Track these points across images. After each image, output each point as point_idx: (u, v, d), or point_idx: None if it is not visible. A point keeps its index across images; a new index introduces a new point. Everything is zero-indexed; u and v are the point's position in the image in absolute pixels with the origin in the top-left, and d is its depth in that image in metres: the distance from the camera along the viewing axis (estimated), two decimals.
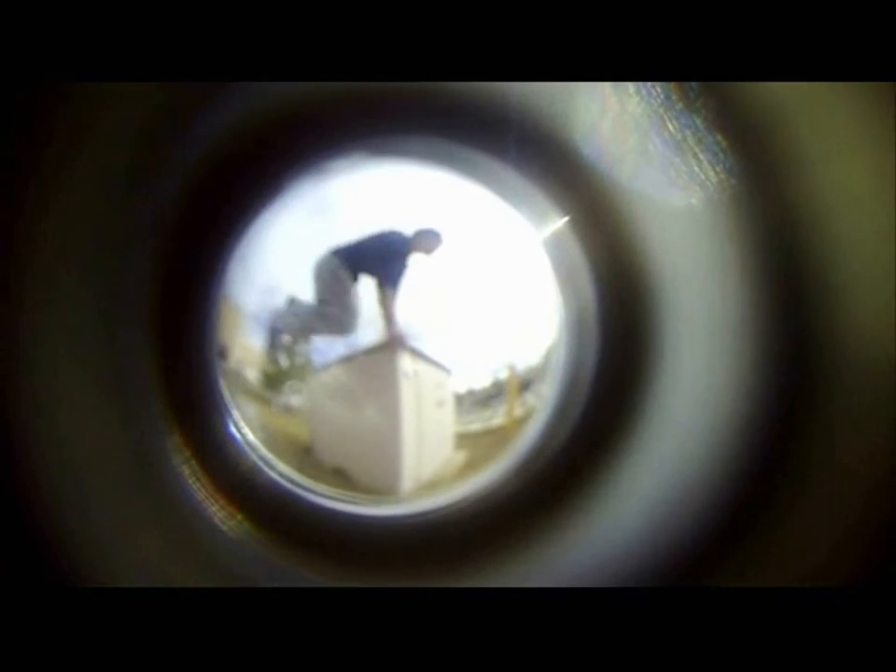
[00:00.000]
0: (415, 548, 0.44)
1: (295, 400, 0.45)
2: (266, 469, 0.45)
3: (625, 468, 0.42)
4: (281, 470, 0.45)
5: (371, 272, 0.45)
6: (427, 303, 0.45)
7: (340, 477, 0.45)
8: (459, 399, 0.45)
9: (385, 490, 0.45)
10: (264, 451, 0.45)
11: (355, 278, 0.45)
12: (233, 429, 0.45)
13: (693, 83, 0.36)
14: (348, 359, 0.44)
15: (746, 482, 0.37)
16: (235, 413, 0.45)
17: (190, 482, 0.43)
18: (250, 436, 0.45)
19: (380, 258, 0.45)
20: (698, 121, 0.37)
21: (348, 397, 0.44)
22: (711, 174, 0.37)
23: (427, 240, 0.45)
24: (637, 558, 0.38)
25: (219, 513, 0.43)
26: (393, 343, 0.44)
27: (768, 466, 0.36)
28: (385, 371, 0.45)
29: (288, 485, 0.45)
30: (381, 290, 0.45)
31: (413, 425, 0.45)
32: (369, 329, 0.44)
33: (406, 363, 0.44)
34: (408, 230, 0.45)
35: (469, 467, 0.45)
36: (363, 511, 0.45)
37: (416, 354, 0.45)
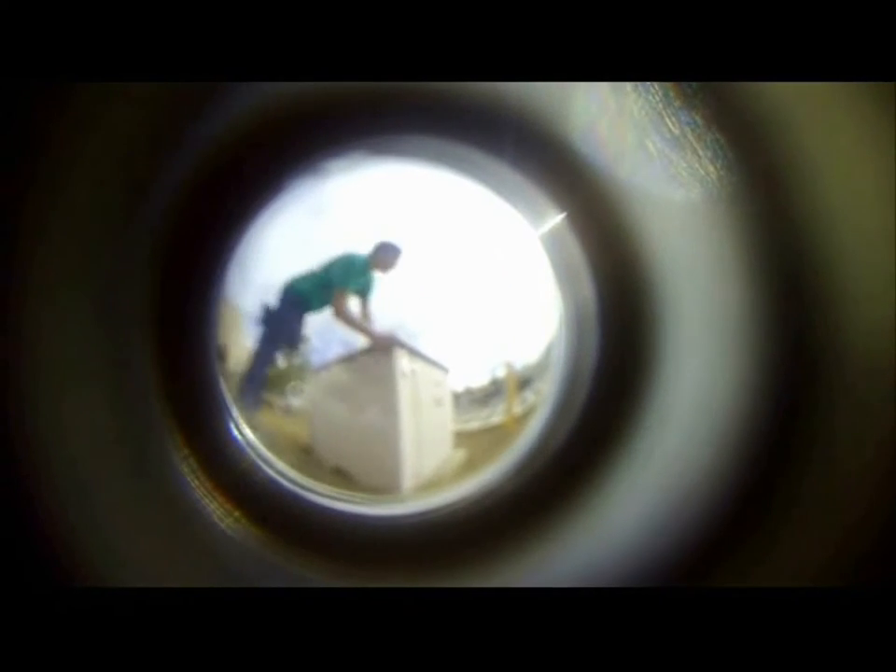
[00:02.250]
0: (415, 548, 0.44)
1: (295, 401, 0.45)
2: (265, 467, 0.45)
3: (625, 466, 0.42)
4: (280, 469, 0.45)
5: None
6: (424, 302, 0.45)
7: (340, 477, 0.45)
8: (457, 398, 0.45)
9: (385, 489, 0.45)
10: (264, 450, 0.45)
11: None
12: (233, 429, 0.45)
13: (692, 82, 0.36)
14: (346, 359, 0.44)
15: (746, 480, 0.37)
16: (235, 413, 0.45)
17: (190, 480, 0.43)
18: (250, 435, 0.45)
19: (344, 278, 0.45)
20: (697, 118, 0.37)
21: (347, 396, 0.44)
22: (711, 170, 0.37)
23: (384, 255, 0.45)
24: (637, 558, 0.38)
25: (218, 512, 0.43)
26: (384, 344, 0.44)
27: (769, 464, 0.36)
28: (382, 371, 0.45)
29: (288, 485, 0.45)
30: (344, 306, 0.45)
31: (412, 424, 0.45)
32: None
33: (403, 362, 0.45)
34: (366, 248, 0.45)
35: (469, 465, 0.45)
36: (364, 510, 0.45)
37: (413, 353, 0.45)
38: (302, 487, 0.45)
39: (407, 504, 0.45)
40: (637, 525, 0.39)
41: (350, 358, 0.44)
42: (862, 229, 0.35)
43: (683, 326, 0.41)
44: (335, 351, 0.44)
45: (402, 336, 0.45)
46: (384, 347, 0.44)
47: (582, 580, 0.38)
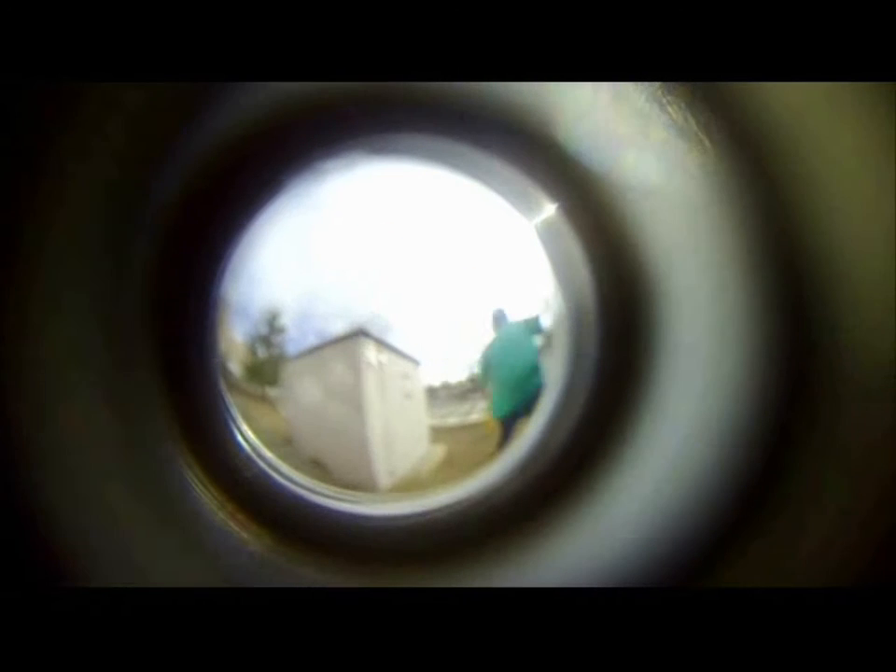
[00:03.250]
0: (415, 548, 0.44)
1: (272, 391, 0.45)
2: (262, 464, 0.45)
3: (623, 466, 0.42)
4: (276, 466, 0.45)
5: None
6: (400, 293, 0.45)
7: (318, 468, 0.45)
8: (434, 392, 0.45)
9: (361, 484, 0.45)
10: (264, 450, 0.45)
11: None
12: (232, 427, 0.45)
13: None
14: (317, 349, 0.44)
15: (747, 479, 0.37)
16: (234, 411, 0.45)
17: (188, 478, 0.43)
18: (249, 433, 0.45)
19: None
20: (698, 111, 0.37)
21: (317, 387, 0.44)
22: (710, 164, 0.37)
23: None
24: (636, 558, 0.38)
25: (214, 506, 0.43)
26: (351, 334, 0.44)
27: (769, 464, 0.36)
28: (348, 362, 0.44)
29: (288, 484, 0.45)
30: None
31: (379, 417, 0.44)
32: (338, 320, 0.44)
33: (369, 354, 0.44)
34: None
35: (451, 463, 0.45)
36: (363, 510, 0.45)
37: (381, 344, 0.44)
38: (301, 487, 0.45)
39: (404, 504, 0.45)
40: (637, 525, 0.39)
41: (321, 348, 0.44)
42: (863, 226, 0.35)
43: (683, 321, 0.41)
44: (310, 341, 0.44)
45: (376, 328, 0.44)
46: (350, 338, 0.44)
47: (582, 580, 0.38)
